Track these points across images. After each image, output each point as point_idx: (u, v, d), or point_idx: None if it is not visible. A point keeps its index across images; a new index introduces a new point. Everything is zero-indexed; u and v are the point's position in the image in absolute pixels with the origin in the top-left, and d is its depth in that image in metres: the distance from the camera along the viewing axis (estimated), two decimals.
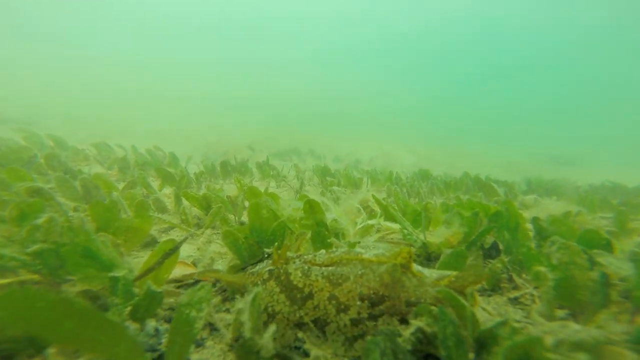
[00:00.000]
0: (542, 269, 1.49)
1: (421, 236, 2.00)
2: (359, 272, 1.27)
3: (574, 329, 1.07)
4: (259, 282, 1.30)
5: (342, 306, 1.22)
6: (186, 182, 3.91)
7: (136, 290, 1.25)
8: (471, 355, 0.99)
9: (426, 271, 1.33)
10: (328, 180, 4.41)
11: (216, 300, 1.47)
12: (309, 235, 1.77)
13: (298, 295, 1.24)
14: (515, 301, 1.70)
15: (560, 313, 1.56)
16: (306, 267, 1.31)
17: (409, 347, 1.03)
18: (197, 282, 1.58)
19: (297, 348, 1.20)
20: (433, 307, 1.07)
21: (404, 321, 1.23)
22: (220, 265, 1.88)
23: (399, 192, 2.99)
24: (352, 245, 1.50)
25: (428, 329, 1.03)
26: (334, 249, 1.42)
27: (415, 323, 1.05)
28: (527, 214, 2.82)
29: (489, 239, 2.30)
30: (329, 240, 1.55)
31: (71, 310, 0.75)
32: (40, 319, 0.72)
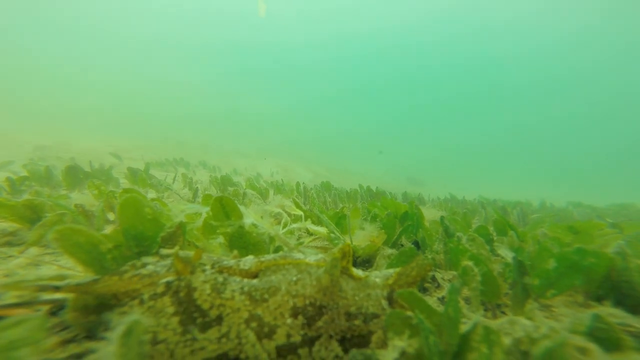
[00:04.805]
0: (469, 263, 1.48)
1: (348, 240, 1.78)
2: (293, 279, 0.92)
3: (526, 325, 1.00)
4: (146, 298, 0.77)
5: (266, 329, 0.84)
6: None
7: None
8: None
9: (363, 274, 1.09)
10: (230, 190, 3.79)
11: (49, 343, 0.80)
12: (216, 241, 1.28)
13: (198, 320, 0.80)
14: (442, 301, 1.65)
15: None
16: (220, 279, 0.87)
17: None
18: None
19: None
20: (409, 314, 0.81)
21: (343, 342, 0.94)
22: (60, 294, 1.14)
23: (314, 199, 2.76)
24: (298, 245, 1.11)
25: (411, 350, 0.76)
26: (265, 256, 1.01)
27: (398, 343, 0.75)
28: None
29: (406, 238, 2.30)
30: (276, 244, 1.08)
31: None
32: None
